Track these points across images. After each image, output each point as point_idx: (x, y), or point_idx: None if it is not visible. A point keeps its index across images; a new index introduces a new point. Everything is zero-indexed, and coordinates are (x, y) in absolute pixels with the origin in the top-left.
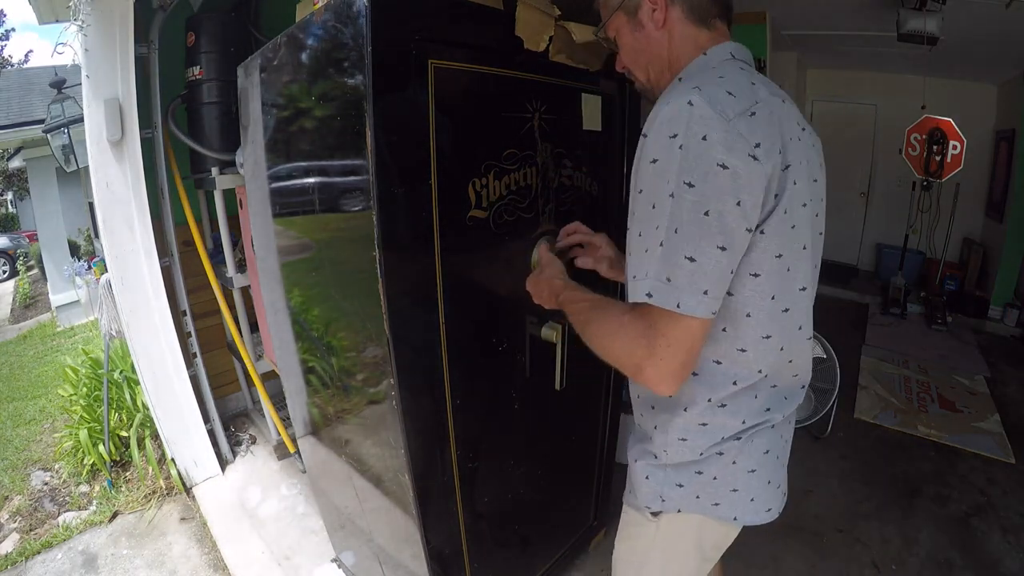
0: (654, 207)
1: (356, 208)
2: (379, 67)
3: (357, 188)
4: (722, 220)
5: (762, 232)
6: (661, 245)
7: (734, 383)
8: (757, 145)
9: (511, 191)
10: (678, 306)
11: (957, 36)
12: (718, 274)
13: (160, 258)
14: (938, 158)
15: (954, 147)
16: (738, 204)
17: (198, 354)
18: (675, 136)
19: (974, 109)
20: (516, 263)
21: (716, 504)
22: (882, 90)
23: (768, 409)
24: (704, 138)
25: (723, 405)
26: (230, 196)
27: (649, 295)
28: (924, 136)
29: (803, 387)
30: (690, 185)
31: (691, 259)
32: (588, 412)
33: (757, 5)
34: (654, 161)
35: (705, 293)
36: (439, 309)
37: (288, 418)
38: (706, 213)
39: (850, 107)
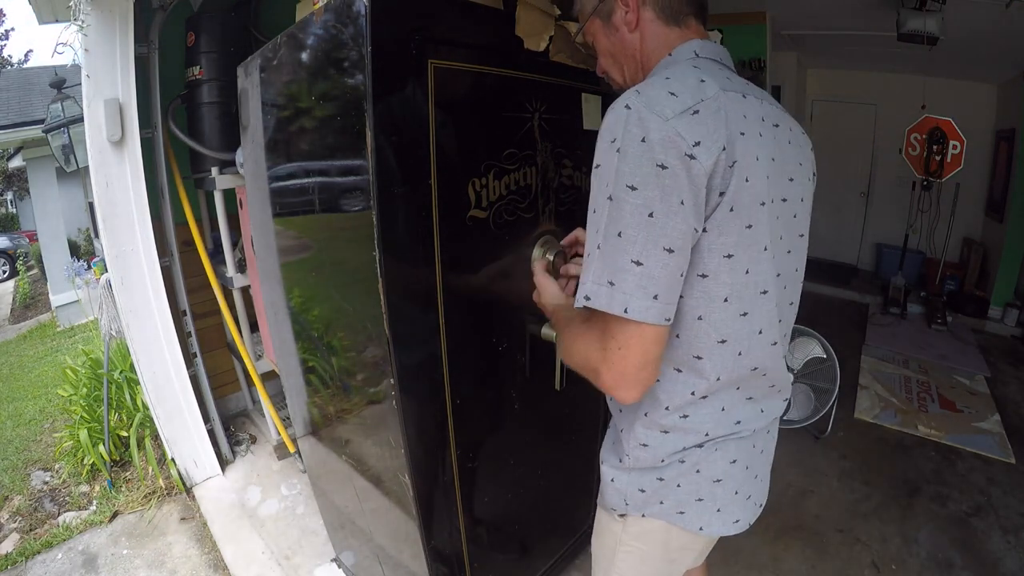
0: (595, 212)
1: (356, 208)
2: (379, 67)
3: (357, 188)
4: (667, 221)
5: (704, 230)
6: (599, 248)
7: (692, 392)
8: (696, 144)
9: (511, 191)
10: (625, 311)
11: (957, 36)
12: (667, 278)
13: (160, 258)
14: (938, 158)
15: (954, 147)
16: (682, 204)
17: (198, 354)
18: (614, 141)
19: (974, 109)
20: (516, 263)
21: (681, 513)
22: (882, 90)
23: (738, 422)
24: (643, 140)
25: (685, 416)
26: (230, 196)
27: (587, 298)
28: (924, 136)
29: (785, 400)
30: (632, 188)
31: (638, 263)
32: (588, 412)
33: (757, 5)
34: (597, 167)
35: (655, 298)
36: (439, 309)
37: (288, 418)
38: (651, 215)
39: (850, 107)
